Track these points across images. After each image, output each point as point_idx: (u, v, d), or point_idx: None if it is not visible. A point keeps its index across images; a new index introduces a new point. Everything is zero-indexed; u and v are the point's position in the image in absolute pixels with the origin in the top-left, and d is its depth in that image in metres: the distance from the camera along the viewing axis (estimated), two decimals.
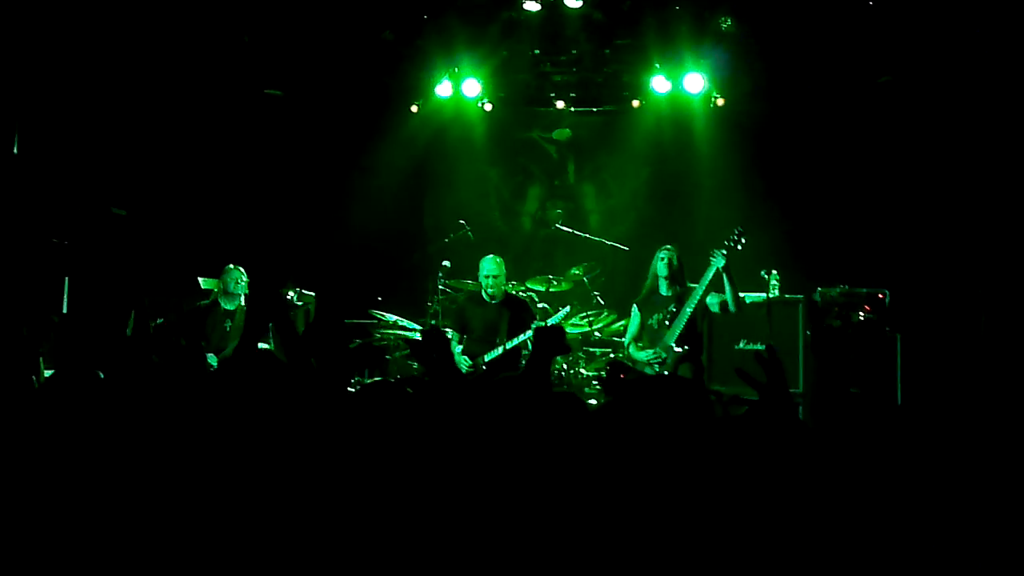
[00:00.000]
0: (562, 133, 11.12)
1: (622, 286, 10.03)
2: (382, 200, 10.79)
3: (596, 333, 9.04)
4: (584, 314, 8.99)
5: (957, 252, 9.04)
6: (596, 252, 9.85)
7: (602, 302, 9.32)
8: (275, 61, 10.05)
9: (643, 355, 7.14)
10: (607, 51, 10.23)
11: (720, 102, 10.10)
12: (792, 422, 3.38)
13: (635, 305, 7.45)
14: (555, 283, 9.19)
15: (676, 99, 10.22)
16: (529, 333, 7.58)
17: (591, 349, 9.08)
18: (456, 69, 10.23)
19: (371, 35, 9.93)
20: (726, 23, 9.53)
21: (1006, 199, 8.87)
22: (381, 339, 9.15)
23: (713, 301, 7.19)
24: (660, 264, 7.33)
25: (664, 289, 7.30)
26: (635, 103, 10.53)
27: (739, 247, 7.08)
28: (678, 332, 7.04)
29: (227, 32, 9.58)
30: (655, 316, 7.23)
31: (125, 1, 8.84)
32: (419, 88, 10.56)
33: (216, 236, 9.87)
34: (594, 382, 8.52)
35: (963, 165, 9.18)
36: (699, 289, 7.06)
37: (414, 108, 10.63)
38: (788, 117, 10.02)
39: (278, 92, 10.40)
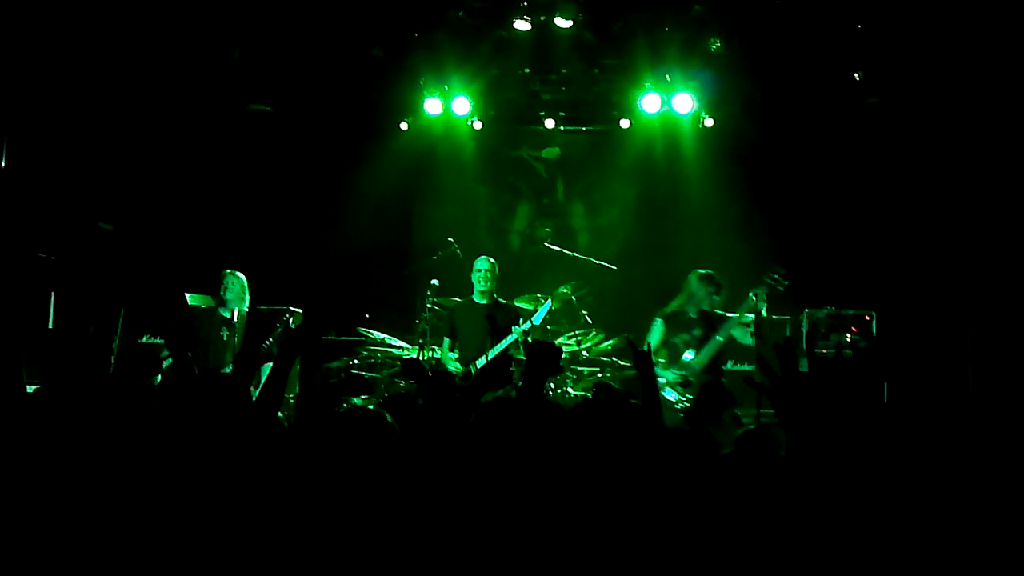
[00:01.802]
0: (551, 152, 11.15)
1: (610, 305, 10.07)
2: (370, 217, 10.78)
3: (584, 352, 9.02)
4: (572, 333, 8.98)
5: (943, 273, 9.08)
6: (584, 271, 9.84)
7: (590, 321, 9.30)
8: (265, 77, 10.04)
9: (668, 374, 7.07)
10: (596, 71, 10.27)
11: (709, 123, 10.18)
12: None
13: (659, 319, 7.37)
14: (543, 302, 9.17)
15: (665, 119, 10.27)
16: (515, 334, 7.82)
17: (579, 368, 9.06)
18: (446, 87, 10.26)
19: (361, 52, 9.94)
20: (715, 44, 9.58)
21: (992, 220, 8.93)
22: (368, 357, 9.11)
23: (738, 334, 7.14)
24: (706, 297, 7.21)
25: (693, 312, 7.23)
26: (624, 123, 10.57)
27: (780, 288, 6.95)
28: (707, 360, 7.00)
29: (217, 47, 9.58)
30: (680, 335, 7.16)
31: (116, 15, 8.82)
32: (408, 105, 10.57)
33: (204, 252, 9.83)
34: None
35: (950, 186, 9.24)
36: (732, 323, 7.01)
37: (403, 125, 10.65)
38: (776, 138, 10.08)
39: (267, 108, 10.38)
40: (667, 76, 9.91)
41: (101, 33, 8.91)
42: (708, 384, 6.20)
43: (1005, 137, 8.84)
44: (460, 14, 9.49)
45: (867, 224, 9.61)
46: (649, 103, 10.01)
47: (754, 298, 6.91)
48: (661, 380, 7.02)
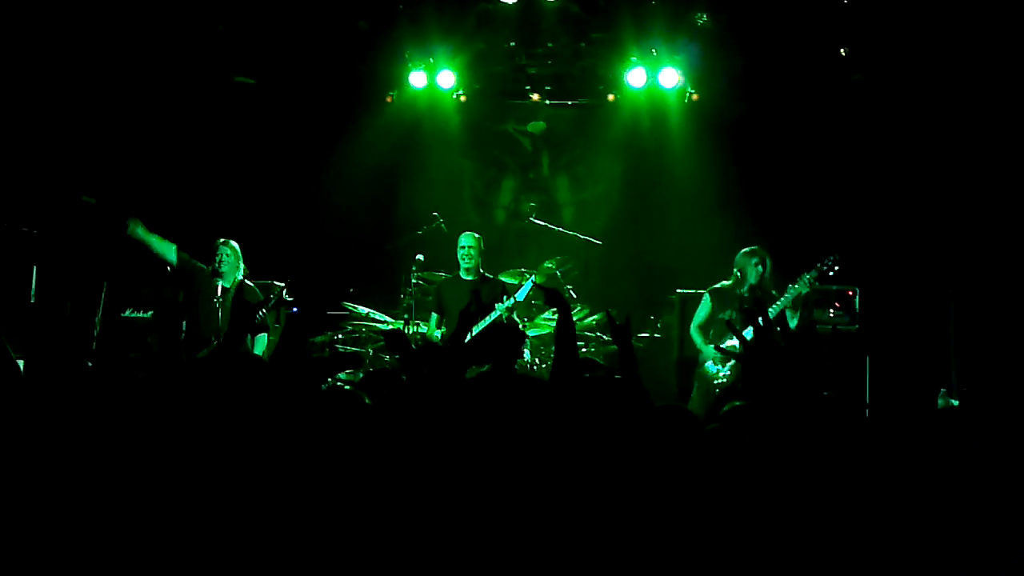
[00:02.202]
0: (537, 126, 11.10)
1: (595, 280, 10.09)
2: (355, 191, 10.73)
3: None
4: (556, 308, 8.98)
5: (928, 249, 9.12)
6: (569, 246, 9.84)
7: (575, 296, 9.33)
8: (249, 50, 9.97)
9: (711, 349, 7.19)
10: (583, 44, 10.24)
11: (695, 97, 10.17)
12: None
13: (708, 294, 7.46)
14: (528, 277, 9.17)
15: (651, 93, 10.24)
16: (499, 311, 7.84)
17: None
18: (431, 60, 10.20)
19: (346, 24, 9.87)
20: (702, 19, 9.57)
21: (978, 197, 8.97)
22: (352, 332, 9.11)
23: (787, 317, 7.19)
24: (752, 269, 7.25)
25: (744, 289, 7.25)
26: (610, 97, 10.54)
27: (831, 273, 7.06)
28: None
29: (201, 20, 9.49)
30: (728, 311, 7.20)
31: None
32: (393, 79, 10.51)
33: (188, 225, 9.77)
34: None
35: (936, 163, 9.26)
36: (780, 303, 7.04)
37: (388, 99, 10.60)
38: (762, 113, 10.07)
39: (251, 80, 10.31)
40: (653, 50, 9.89)
41: (84, 5, 8.82)
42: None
43: (990, 115, 8.86)
44: None
45: (851, 200, 9.62)
46: (635, 77, 10.00)
47: (802, 283, 6.99)
48: (704, 353, 7.21)
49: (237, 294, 7.94)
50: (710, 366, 7.12)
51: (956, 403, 6.89)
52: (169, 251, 7.90)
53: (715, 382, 7.07)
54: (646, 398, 3.76)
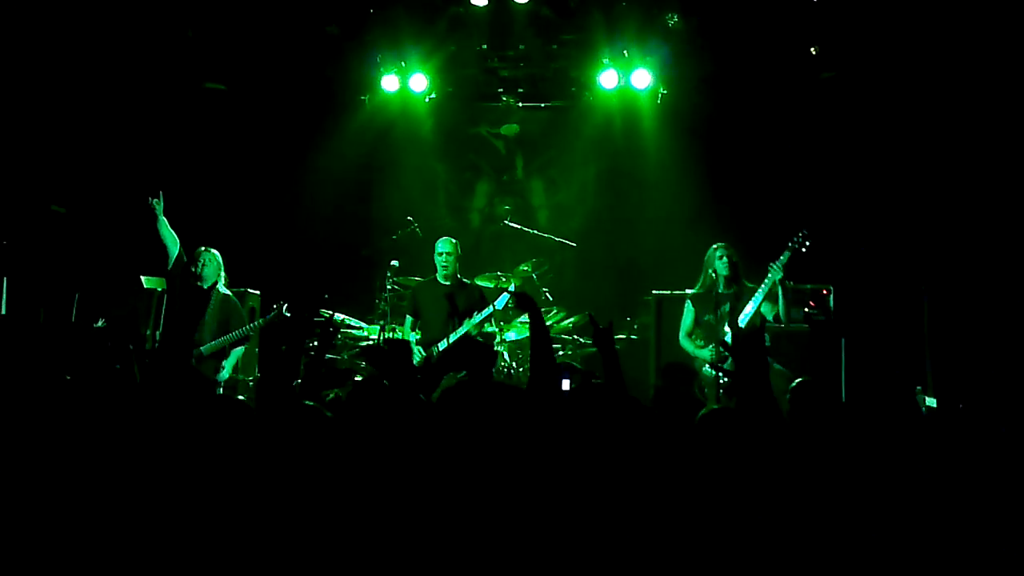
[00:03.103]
0: (510, 128, 11.07)
1: (571, 282, 10.08)
2: (328, 196, 10.66)
3: None
4: None
5: (900, 245, 9.17)
6: (545, 248, 9.85)
7: (551, 298, 9.32)
8: (219, 55, 9.90)
9: (705, 352, 7.26)
10: (554, 47, 10.24)
11: (664, 94, 10.17)
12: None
13: (688, 301, 7.56)
14: (504, 280, 9.16)
15: (623, 95, 10.25)
16: (477, 319, 7.88)
17: None
18: (403, 64, 10.16)
19: (316, 29, 9.82)
20: (672, 19, 9.58)
21: (949, 192, 9.02)
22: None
23: (766, 310, 7.24)
24: (719, 263, 7.36)
25: (722, 286, 7.33)
26: (583, 98, 10.55)
27: (803, 249, 7.10)
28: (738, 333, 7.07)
29: (170, 26, 9.42)
30: (710, 314, 7.27)
31: None
32: (365, 83, 10.47)
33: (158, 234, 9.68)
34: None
35: (905, 160, 9.32)
36: (758, 295, 7.15)
37: (361, 102, 10.55)
38: (735, 113, 10.09)
39: (222, 87, 10.23)
40: (625, 52, 9.89)
41: (53, 12, 8.73)
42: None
43: (962, 112, 8.92)
44: None
45: (824, 197, 9.66)
46: (607, 79, 10.00)
47: (775, 269, 7.08)
48: (699, 359, 7.25)
49: (220, 304, 7.91)
50: (708, 370, 7.13)
51: (932, 401, 6.93)
52: (174, 244, 7.81)
53: (721, 381, 7.04)
54: (633, 403, 3.75)
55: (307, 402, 3.35)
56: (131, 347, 3.73)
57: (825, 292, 8.37)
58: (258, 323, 7.98)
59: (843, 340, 7.86)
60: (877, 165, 9.47)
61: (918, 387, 7.34)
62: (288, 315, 7.81)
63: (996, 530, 3.15)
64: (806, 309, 8.13)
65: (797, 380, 4.55)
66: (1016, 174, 8.60)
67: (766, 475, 3.35)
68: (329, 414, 3.19)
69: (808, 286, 8.22)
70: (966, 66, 8.81)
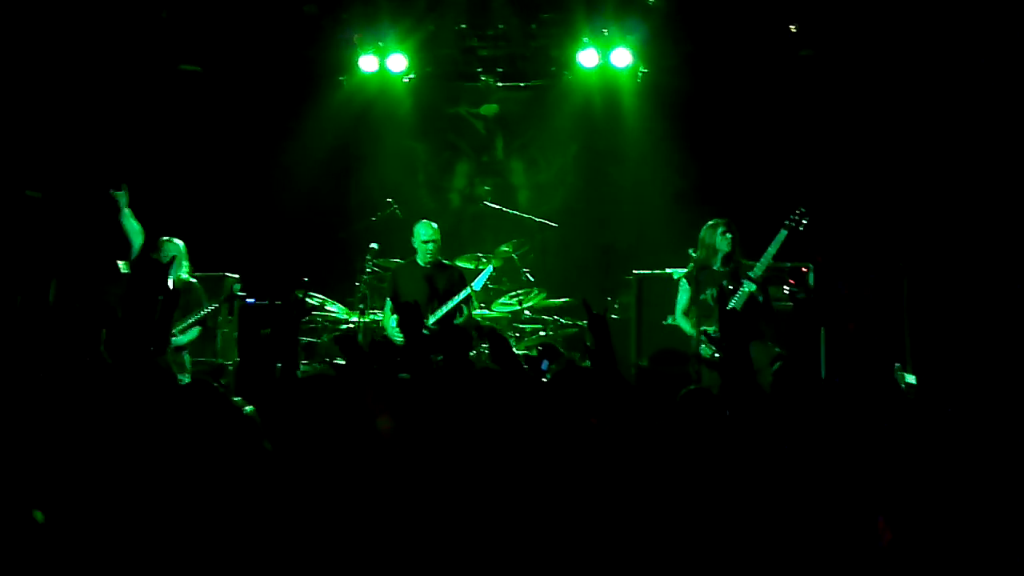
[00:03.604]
0: (489, 108, 11.01)
1: (551, 262, 10.05)
2: (306, 178, 10.59)
3: (526, 312, 9.03)
4: (514, 292, 8.97)
5: (880, 223, 9.19)
6: (525, 228, 9.82)
7: (532, 279, 9.31)
8: (194, 37, 9.79)
9: (709, 329, 6.95)
10: (534, 26, 10.20)
11: (644, 72, 10.14)
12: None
13: (683, 280, 7.31)
14: (484, 261, 9.13)
15: (603, 74, 10.21)
16: (456, 300, 7.78)
17: (521, 326, 9.07)
18: (380, 44, 10.09)
19: (293, 9, 9.74)
20: None
21: (928, 171, 9.04)
22: (308, 322, 9.01)
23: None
24: (722, 239, 7.10)
25: (717, 263, 7.13)
26: (563, 78, 10.51)
27: (800, 227, 6.95)
28: (739, 308, 6.88)
29: (144, 7, 9.31)
30: (709, 290, 7.03)
31: None
32: (343, 63, 10.39)
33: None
34: (524, 365, 8.48)
35: (884, 139, 9.33)
36: (760, 265, 6.93)
37: (339, 83, 10.48)
38: (715, 90, 10.06)
39: (197, 68, 10.13)
40: (604, 30, 9.85)
41: None
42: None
43: (943, 91, 8.92)
44: None
45: (806, 176, 9.65)
46: (587, 58, 9.96)
47: (775, 245, 6.91)
48: (695, 337, 7.06)
49: (181, 292, 7.81)
50: (705, 348, 7.02)
51: (911, 378, 6.95)
52: (137, 236, 7.73)
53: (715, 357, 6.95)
54: (627, 387, 3.74)
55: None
56: (103, 333, 3.66)
57: (804, 270, 8.40)
58: (211, 307, 7.82)
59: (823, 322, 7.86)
60: (856, 144, 9.47)
61: (897, 364, 7.37)
62: (240, 293, 7.80)
63: (976, 508, 3.17)
64: (785, 288, 8.13)
65: (778, 354, 4.56)
66: (995, 154, 8.62)
67: (745, 452, 3.35)
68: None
69: (787, 264, 8.23)
70: (945, 43, 8.81)
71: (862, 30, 9.15)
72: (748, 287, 6.88)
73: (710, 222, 7.26)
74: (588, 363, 4.15)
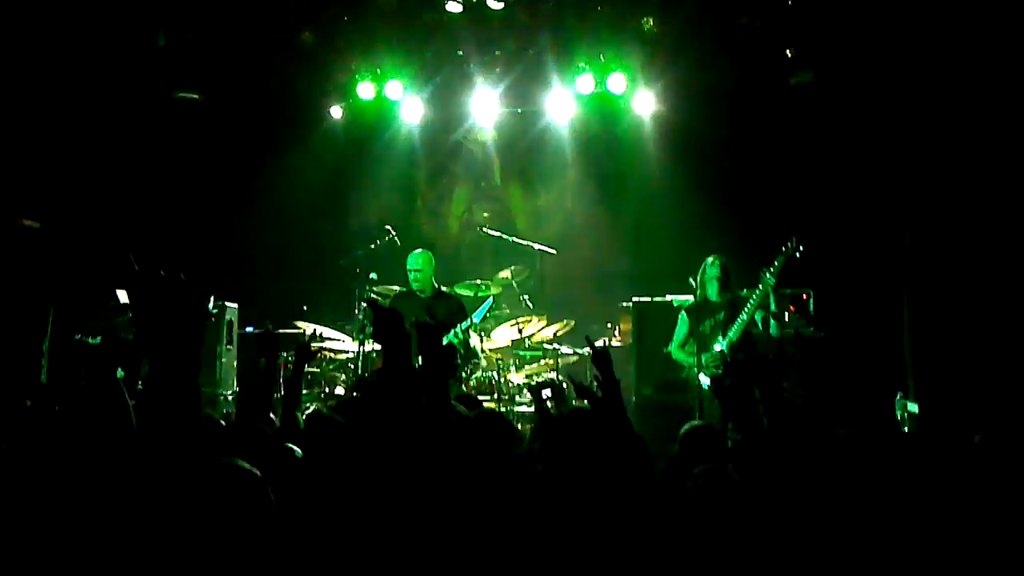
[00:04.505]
0: (487, 135, 11.01)
1: (551, 289, 10.03)
2: (305, 206, 10.60)
3: (526, 340, 9.00)
4: (514, 320, 8.94)
5: (879, 250, 9.17)
6: (524, 255, 9.80)
7: (531, 305, 9.28)
8: (191, 64, 9.79)
9: (701, 358, 7.15)
10: (531, 51, 10.18)
11: (640, 100, 10.15)
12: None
13: (684, 312, 7.52)
14: (484, 287, 9.10)
15: (600, 99, 10.21)
16: (453, 333, 7.71)
17: (521, 354, 9.04)
18: (378, 71, 10.09)
19: (290, 37, 9.74)
20: (648, 24, 9.56)
21: (925, 196, 9.01)
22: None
23: (760, 317, 7.22)
24: (712, 269, 7.35)
25: (715, 295, 7.33)
26: (560, 103, 10.50)
27: (797, 255, 7.07)
28: (735, 339, 7.09)
29: (141, 35, 9.31)
30: (707, 322, 7.27)
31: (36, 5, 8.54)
32: (341, 90, 10.39)
33: (134, 246, 9.56)
34: (524, 391, 8.45)
35: (881, 163, 9.31)
36: (751, 303, 7.10)
37: (337, 110, 10.47)
38: (712, 115, 10.07)
39: (196, 95, 10.14)
40: (601, 56, 9.86)
41: (23, 20, 8.61)
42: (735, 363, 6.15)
43: (943, 112, 8.91)
44: None
45: (805, 201, 9.65)
46: (583, 84, 9.96)
47: (767, 274, 7.05)
48: (695, 368, 7.19)
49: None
50: (703, 380, 7.10)
51: (914, 407, 6.93)
52: None
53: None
54: (630, 430, 3.69)
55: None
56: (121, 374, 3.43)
57: (805, 296, 8.39)
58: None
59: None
60: (854, 167, 9.46)
61: (899, 393, 7.35)
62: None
63: (976, 528, 3.16)
64: (786, 315, 8.13)
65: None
66: (996, 176, 8.60)
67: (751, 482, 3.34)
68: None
69: (788, 291, 8.22)
70: (946, 64, 8.80)
71: (859, 54, 9.15)
72: (744, 316, 7.02)
73: (708, 259, 7.46)
74: (587, 404, 4.09)
